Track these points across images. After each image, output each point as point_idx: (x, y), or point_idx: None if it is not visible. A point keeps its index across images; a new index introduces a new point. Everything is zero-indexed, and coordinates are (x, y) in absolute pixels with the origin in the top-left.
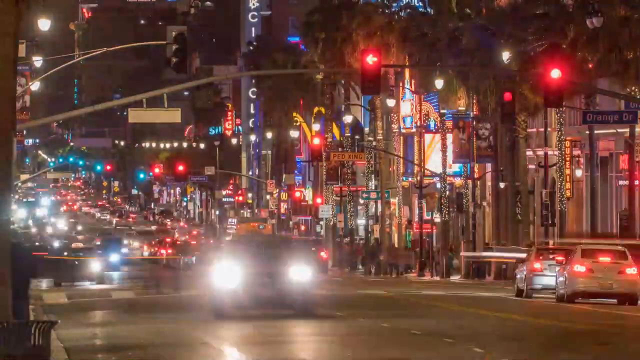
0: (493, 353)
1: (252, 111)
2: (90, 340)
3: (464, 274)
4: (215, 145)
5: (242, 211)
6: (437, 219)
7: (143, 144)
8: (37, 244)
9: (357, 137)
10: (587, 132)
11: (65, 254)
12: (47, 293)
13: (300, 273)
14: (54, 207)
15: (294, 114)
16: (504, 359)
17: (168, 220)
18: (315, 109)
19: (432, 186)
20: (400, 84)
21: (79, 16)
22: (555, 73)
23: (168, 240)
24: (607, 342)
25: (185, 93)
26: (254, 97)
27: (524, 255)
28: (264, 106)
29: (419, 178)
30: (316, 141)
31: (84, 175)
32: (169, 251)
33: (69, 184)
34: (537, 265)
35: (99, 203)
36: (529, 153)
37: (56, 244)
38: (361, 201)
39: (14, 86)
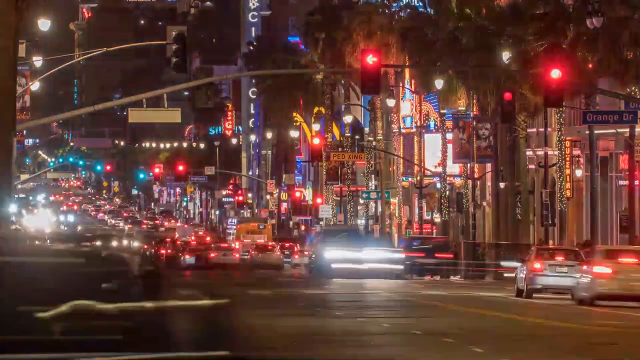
0: (490, 353)
1: (252, 111)
2: None
3: (464, 274)
4: (215, 145)
5: (242, 211)
6: (437, 219)
7: (143, 144)
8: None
9: (357, 137)
10: (587, 132)
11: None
12: None
13: None
14: (51, 206)
15: (294, 114)
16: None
17: (167, 220)
18: (315, 109)
19: (432, 186)
20: (400, 84)
21: (79, 16)
22: (555, 73)
23: (168, 240)
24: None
25: (185, 93)
26: (254, 97)
27: None
28: (264, 106)
29: (419, 178)
30: (316, 141)
31: (84, 175)
32: (169, 251)
33: (69, 184)
34: (537, 265)
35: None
36: (529, 153)
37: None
38: (361, 201)
39: (14, 86)
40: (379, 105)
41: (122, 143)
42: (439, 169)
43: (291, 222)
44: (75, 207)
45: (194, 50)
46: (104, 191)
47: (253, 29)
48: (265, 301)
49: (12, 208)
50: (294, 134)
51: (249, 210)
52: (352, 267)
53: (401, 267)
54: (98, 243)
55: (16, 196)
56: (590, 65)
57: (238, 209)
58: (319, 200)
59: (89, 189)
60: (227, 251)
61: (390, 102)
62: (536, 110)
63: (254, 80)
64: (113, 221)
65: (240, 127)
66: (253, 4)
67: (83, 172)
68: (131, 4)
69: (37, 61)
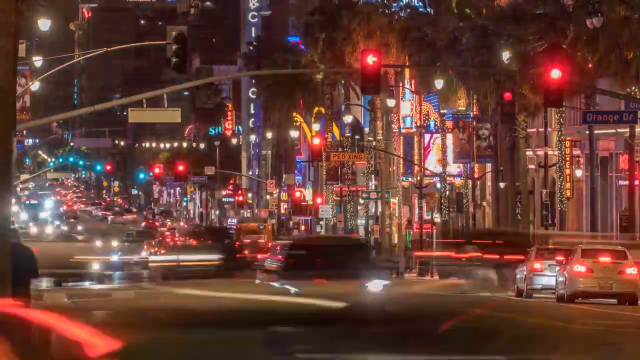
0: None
1: (252, 111)
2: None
3: None
4: (215, 145)
5: (242, 211)
6: (437, 219)
7: (143, 144)
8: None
9: (357, 137)
10: (587, 132)
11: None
12: (47, 293)
13: None
14: (55, 208)
15: (294, 114)
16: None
17: (168, 220)
18: (315, 109)
19: (432, 186)
20: (400, 84)
21: (79, 16)
22: (555, 73)
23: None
24: (611, 343)
25: (185, 93)
26: (254, 97)
27: None
28: (264, 106)
29: (419, 178)
30: (316, 141)
31: (84, 175)
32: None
33: (69, 184)
34: (537, 265)
35: (95, 201)
36: (529, 153)
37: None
38: (361, 201)
39: (14, 86)
40: (379, 105)
41: (122, 143)
42: (439, 169)
43: (291, 222)
44: (76, 207)
45: (194, 50)
46: (104, 191)
47: (253, 29)
48: None
49: (23, 216)
50: (294, 134)
51: (249, 210)
52: None
53: None
54: None
55: (28, 202)
56: (590, 65)
57: (238, 209)
58: (319, 201)
59: (86, 188)
60: None
61: (390, 102)
62: (536, 110)
63: (254, 80)
64: (95, 212)
65: (240, 127)
66: (253, 4)
67: (83, 172)
68: (131, 4)
69: (37, 61)
